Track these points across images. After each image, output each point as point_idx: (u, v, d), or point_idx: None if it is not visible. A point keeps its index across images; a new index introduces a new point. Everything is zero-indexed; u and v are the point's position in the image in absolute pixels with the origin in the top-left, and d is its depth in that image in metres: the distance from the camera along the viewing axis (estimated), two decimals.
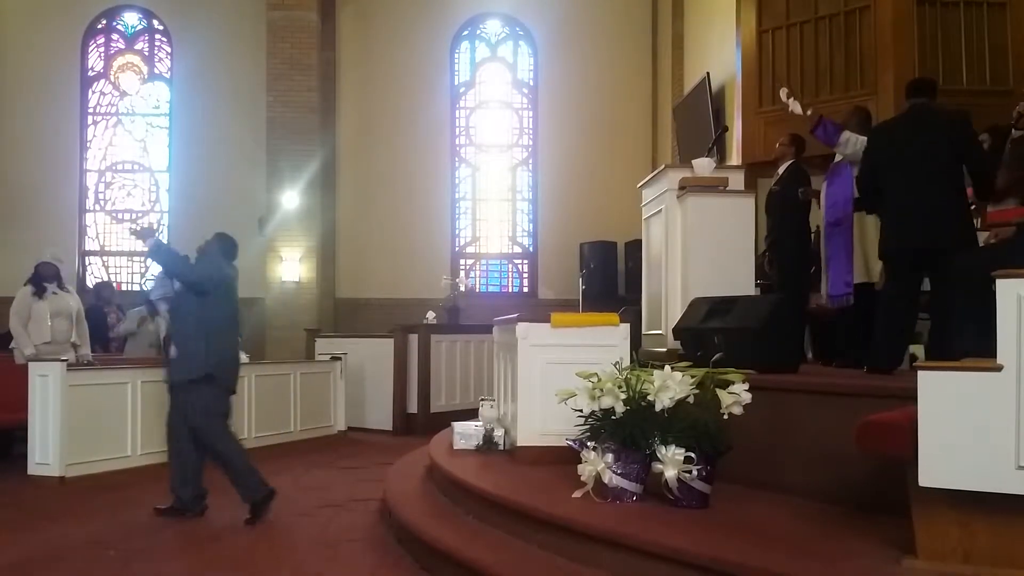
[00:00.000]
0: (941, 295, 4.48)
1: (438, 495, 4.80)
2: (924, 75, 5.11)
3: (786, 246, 6.38)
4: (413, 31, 13.38)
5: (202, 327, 5.00)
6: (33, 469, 6.03)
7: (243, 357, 7.27)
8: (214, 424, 5.04)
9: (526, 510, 3.66)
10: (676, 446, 3.44)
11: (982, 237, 4.95)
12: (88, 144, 13.69)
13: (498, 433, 5.21)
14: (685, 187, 5.54)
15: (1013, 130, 5.10)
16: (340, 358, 8.80)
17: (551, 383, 4.24)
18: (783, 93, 5.98)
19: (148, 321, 9.26)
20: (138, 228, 5.20)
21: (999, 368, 2.45)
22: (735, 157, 9.08)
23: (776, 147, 6.67)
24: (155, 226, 5.46)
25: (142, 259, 13.63)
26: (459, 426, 5.39)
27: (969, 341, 3.31)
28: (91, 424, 6.06)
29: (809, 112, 5.76)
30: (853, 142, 5.42)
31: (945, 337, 4.29)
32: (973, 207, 4.92)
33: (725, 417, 3.52)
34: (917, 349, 5.69)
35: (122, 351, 9.26)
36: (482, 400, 5.65)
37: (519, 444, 4.72)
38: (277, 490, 5.14)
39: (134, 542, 4.54)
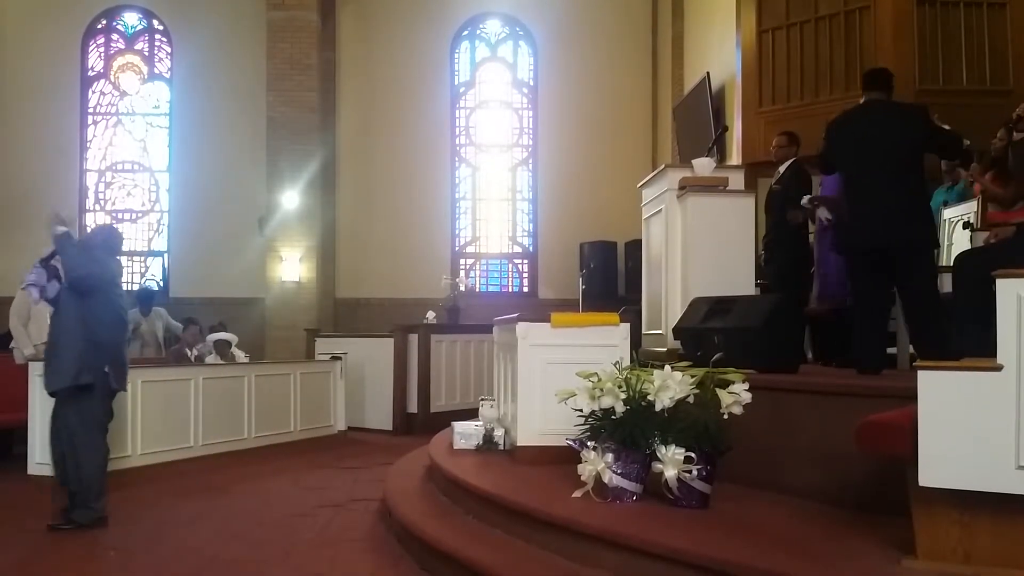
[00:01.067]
0: (913, 298, 4.44)
1: (438, 495, 4.80)
2: (877, 67, 5.07)
3: (785, 246, 6.37)
4: (413, 31, 13.38)
5: (85, 329, 4.81)
6: (33, 469, 6.02)
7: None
8: (93, 435, 4.86)
9: (526, 510, 3.66)
10: (676, 446, 3.44)
11: (981, 237, 4.95)
12: (88, 144, 13.69)
13: (498, 433, 5.21)
14: (685, 187, 5.53)
15: (1014, 133, 5.09)
16: (340, 358, 8.80)
17: (551, 383, 4.24)
18: (805, 199, 5.97)
19: (142, 322, 9.26)
20: (57, 216, 4.97)
21: (999, 368, 2.45)
22: (735, 157, 9.08)
23: (774, 149, 6.65)
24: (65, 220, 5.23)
25: (142, 259, 13.66)
26: (459, 426, 5.39)
27: (968, 341, 3.31)
28: None
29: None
30: None
31: (930, 339, 4.26)
32: (968, 178, 4.86)
33: (725, 417, 3.52)
34: None
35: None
36: (482, 400, 5.65)
37: (519, 444, 4.72)
38: (107, 520, 4.89)
39: (134, 542, 4.54)
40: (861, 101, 4.73)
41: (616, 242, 12.58)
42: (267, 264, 12.03)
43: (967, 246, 5.37)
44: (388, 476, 5.60)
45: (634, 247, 10.83)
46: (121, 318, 5.14)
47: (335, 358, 8.82)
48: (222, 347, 8.22)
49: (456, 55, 13.89)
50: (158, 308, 9.64)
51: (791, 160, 6.44)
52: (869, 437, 2.67)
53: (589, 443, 3.68)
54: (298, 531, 4.80)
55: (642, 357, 4.70)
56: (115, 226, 5.33)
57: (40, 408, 5.99)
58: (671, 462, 3.42)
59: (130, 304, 5.34)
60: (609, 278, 12.49)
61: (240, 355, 8.53)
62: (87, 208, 13.66)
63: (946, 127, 4.70)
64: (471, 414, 6.06)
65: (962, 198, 6.21)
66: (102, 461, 4.92)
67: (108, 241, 5.22)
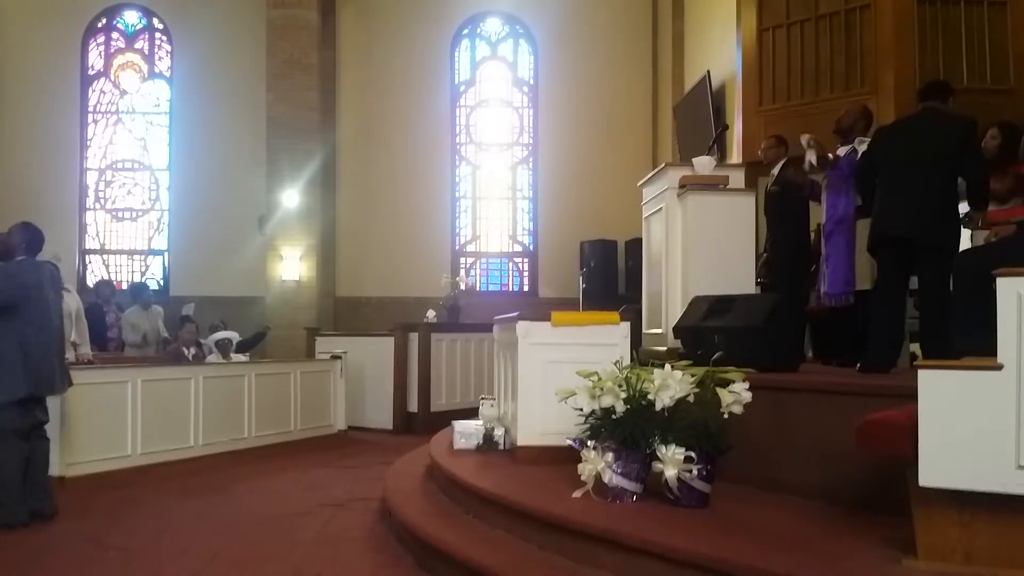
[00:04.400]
0: (926, 293, 4.51)
1: (438, 495, 4.79)
2: (937, 78, 5.14)
3: (785, 246, 6.37)
4: (413, 30, 13.38)
5: (14, 341, 4.79)
6: None
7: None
8: (9, 442, 4.84)
9: (526, 510, 3.66)
10: (676, 445, 3.43)
11: (981, 236, 4.95)
12: (88, 143, 13.70)
13: (498, 432, 5.21)
14: (685, 185, 5.54)
15: None
16: (340, 357, 8.80)
17: (551, 382, 4.24)
18: (804, 140, 5.94)
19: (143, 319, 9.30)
20: None
21: (999, 368, 2.44)
22: (735, 155, 9.07)
23: (763, 152, 6.68)
24: None
25: (143, 258, 13.66)
26: (459, 425, 5.39)
27: (969, 340, 3.31)
28: (91, 424, 6.05)
29: (829, 156, 5.81)
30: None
31: (934, 336, 4.33)
32: (967, 214, 4.94)
33: (725, 416, 3.52)
34: (917, 348, 5.68)
35: (121, 350, 9.26)
36: (482, 399, 5.64)
37: (519, 444, 4.72)
38: (51, 517, 4.97)
39: (134, 542, 4.54)
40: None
41: (616, 241, 12.58)
42: (267, 263, 12.03)
43: (967, 246, 5.37)
44: (388, 476, 5.59)
45: (634, 246, 10.83)
46: (47, 322, 5.03)
47: (335, 357, 8.81)
48: (224, 346, 8.22)
49: (456, 54, 13.89)
50: (157, 306, 9.66)
51: (783, 160, 6.46)
52: (869, 437, 2.66)
53: (589, 443, 3.68)
54: (298, 530, 4.80)
55: (642, 356, 4.70)
56: (31, 223, 5.21)
57: None
58: (671, 462, 3.42)
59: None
60: (609, 277, 12.49)
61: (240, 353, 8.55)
62: (87, 207, 13.67)
63: (983, 159, 4.73)
64: (471, 413, 6.06)
65: None
66: (20, 466, 4.88)
67: (31, 243, 5.11)
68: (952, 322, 3.97)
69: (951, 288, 4.20)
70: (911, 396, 2.58)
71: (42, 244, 5.20)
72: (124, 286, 13.02)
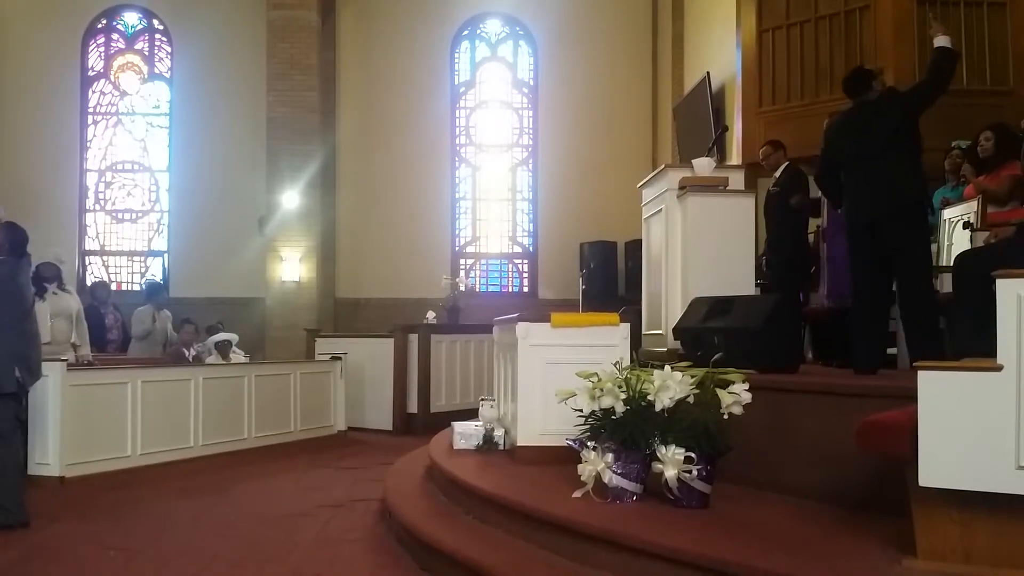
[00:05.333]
0: (903, 292, 4.49)
1: (438, 495, 4.79)
2: (853, 68, 5.13)
3: (784, 247, 6.38)
4: (413, 31, 13.39)
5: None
6: (33, 469, 6.01)
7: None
8: (8, 438, 4.80)
9: (526, 510, 3.65)
10: (676, 446, 3.43)
11: (981, 237, 4.96)
12: (88, 144, 13.71)
13: (498, 433, 5.21)
14: (685, 187, 5.54)
15: None
16: (340, 358, 8.80)
17: (551, 383, 4.23)
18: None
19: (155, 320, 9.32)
20: None
21: (999, 368, 2.44)
22: (735, 157, 9.08)
23: (763, 160, 6.72)
24: None
25: (143, 259, 13.66)
26: (459, 426, 5.39)
27: (968, 341, 3.31)
28: (91, 424, 6.05)
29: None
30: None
31: (919, 333, 4.32)
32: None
33: (725, 417, 3.52)
34: None
35: (124, 351, 9.25)
36: (482, 400, 5.64)
37: (519, 444, 4.72)
38: (29, 523, 4.83)
39: (134, 542, 4.54)
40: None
41: (616, 242, 12.59)
42: (267, 264, 12.04)
43: (967, 246, 5.37)
44: (388, 476, 5.59)
45: (634, 247, 10.83)
46: (20, 319, 4.99)
47: (335, 358, 8.81)
48: (223, 347, 8.22)
49: (456, 55, 13.91)
50: (166, 311, 9.67)
51: (785, 163, 6.50)
52: (869, 437, 2.66)
53: (589, 443, 3.68)
54: (298, 531, 4.80)
55: (642, 357, 4.70)
56: (14, 223, 5.20)
57: (40, 408, 6.00)
58: (671, 462, 3.42)
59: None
60: (609, 278, 12.50)
61: (240, 355, 8.55)
62: (87, 208, 13.67)
63: (938, 41, 4.68)
64: (471, 414, 6.05)
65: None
66: (20, 462, 4.87)
67: (14, 243, 5.07)
68: (952, 323, 3.97)
69: (951, 288, 4.19)
70: (911, 397, 2.58)
71: (26, 244, 5.17)
72: (123, 287, 13.09)
